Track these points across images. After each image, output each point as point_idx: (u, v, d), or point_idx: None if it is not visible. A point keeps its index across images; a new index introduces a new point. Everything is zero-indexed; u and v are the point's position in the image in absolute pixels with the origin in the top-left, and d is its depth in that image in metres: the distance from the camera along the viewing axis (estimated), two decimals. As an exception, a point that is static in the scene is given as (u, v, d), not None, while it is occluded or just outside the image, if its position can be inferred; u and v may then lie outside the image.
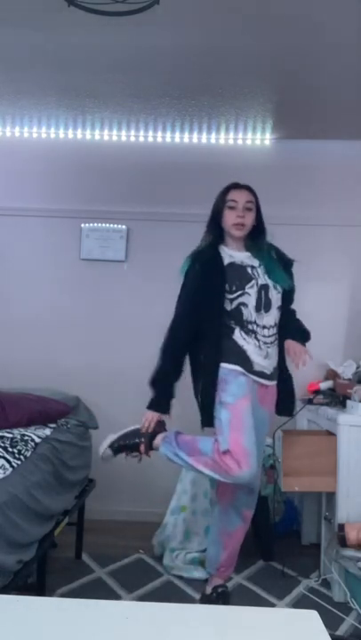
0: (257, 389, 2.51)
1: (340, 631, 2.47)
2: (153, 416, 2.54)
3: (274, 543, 3.21)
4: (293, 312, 2.71)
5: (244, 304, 2.50)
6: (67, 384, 3.33)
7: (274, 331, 2.55)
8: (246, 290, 2.51)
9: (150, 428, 2.53)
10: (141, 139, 3.88)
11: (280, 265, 2.62)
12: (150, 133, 3.82)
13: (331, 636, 1.02)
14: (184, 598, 2.67)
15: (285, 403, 2.63)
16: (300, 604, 2.69)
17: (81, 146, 3.88)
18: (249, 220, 2.58)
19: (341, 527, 2.68)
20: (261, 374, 2.51)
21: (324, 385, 3.44)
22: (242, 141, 3.85)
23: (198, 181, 3.66)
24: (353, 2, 2.30)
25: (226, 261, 2.55)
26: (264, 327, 2.51)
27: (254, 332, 2.51)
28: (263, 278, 2.55)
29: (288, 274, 2.64)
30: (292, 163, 3.84)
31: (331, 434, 2.91)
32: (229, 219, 2.56)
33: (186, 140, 3.85)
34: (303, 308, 3.82)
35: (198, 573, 2.88)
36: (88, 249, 3.86)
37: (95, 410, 3.29)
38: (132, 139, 3.88)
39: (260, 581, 2.91)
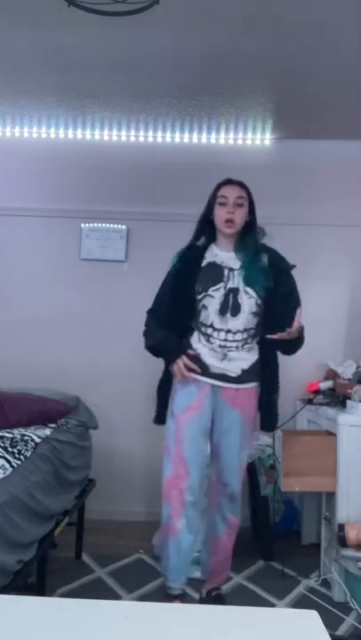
0: (222, 392, 2.46)
1: (341, 631, 2.47)
2: (178, 362, 2.43)
3: (274, 543, 3.21)
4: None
5: (205, 306, 2.46)
6: (67, 384, 3.33)
7: (243, 335, 2.45)
8: (210, 292, 2.46)
9: (186, 372, 2.42)
10: (141, 139, 3.88)
11: (263, 268, 2.49)
12: (150, 133, 3.82)
13: (331, 636, 1.02)
14: (184, 598, 2.66)
15: (265, 418, 2.55)
16: (300, 604, 2.69)
17: (81, 146, 3.88)
18: (239, 216, 2.50)
19: (341, 527, 2.68)
20: (222, 377, 2.45)
21: (324, 385, 3.44)
22: (242, 141, 3.85)
23: (198, 181, 3.64)
24: (353, 2, 2.30)
25: (206, 261, 2.51)
26: (228, 331, 2.44)
27: (208, 336, 2.46)
28: (235, 281, 2.47)
29: (280, 279, 2.49)
30: (292, 163, 3.84)
31: (331, 434, 2.91)
32: (220, 215, 2.50)
33: (186, 139, 3.85)
34: (303, 308, 3.83)
35: (198, 573, 2.88)
36: (88, 249, 3.86)
37: (95, 410, 3.29)
38: (132, 139, 3.88)
39: (260, 581, 2.91)
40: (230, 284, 2.46)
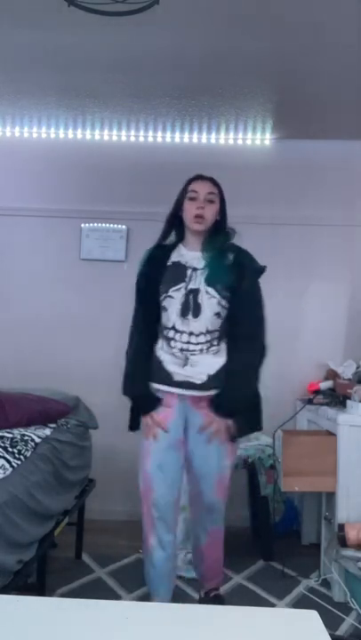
0: (190, 400, 2.35)
1: (341, 631, 2.47)
2: (147, 420, 2.37)
3: (274, 543, 3.20)
4: (246, 338, 2.35)
5: (165, 308, 2.37)
6: (67, 384, 3.32)
7: (206, 338, 2.33)
8: (170, 293, 2.36)
9: (154, 430, 2.35)
10: (141, 139, 3.88)
11: (227, 267, 2.36)
12: (150, 133, 3.82)
13: (331, 636, 1.02)
14: (184, 598, 2.66)
15: (242, 420, 2.38)
16: (300, 604, 2.69)
17: (81, 146, 3.88)
18: (209, 212, 2.38)
19: (341, 527, 2.68)
20: (187, 385, 2.33)
21: (324, 385, 3.44)
22: (242, 141, 3.85)
23: (198, 181, 3.66)
24: (353, 2, 2.30)
25: (171, 261, 2.42)
26: (191, 334, 2.33)
27: (170, 339, 2.35)
28: (197, 282, 2.35)
29: (243, 278, 2.35)
30: (292, 163, 3.84)
31: (331, 434, 2.91)
32: (189, 210, 2.38)
33: (186, 139, 3.85)
34: (304, 308, 3.84)
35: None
36: (88, 249, 3.86)
37: (95, 410, 3.29)
38: (132, 139, 3.88)
39: (260, 581, 2.91)
40: (191, 285, 2.35)
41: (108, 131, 3.82)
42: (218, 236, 2.43)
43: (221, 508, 2.43)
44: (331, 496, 2.89)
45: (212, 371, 2.33)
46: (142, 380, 2.40)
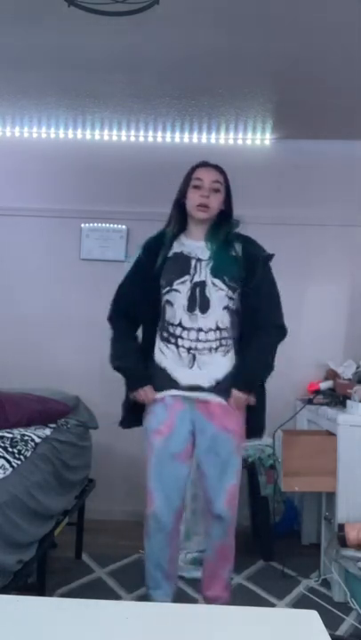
0: (199, 406, 2.24)
1: (341, 631, 2.46)
2: (140, 393, 2.28)
3: (274, 543, 3.21)
4: (265, 331, 2.27)
5: (170, 302, 2.23)
6: (67, 384, 3.32)
7: (216, 335, 2.21)
8: (175, 286, 2.22)
9: (149, 398, 2.27)
10: (141, 139, 3.88)
11: (234, 257, 2.26)
12: (150, 133, 3.82)
13: (331, 636, 1.02)
14: (184, 598, 2.66)
15: (250, 426, 2.32)
16: (300, 604, 2.69)
17: (81, 146, 3.88)
18: (215, 201, 2.27)
19: (341, 527, 2.68)
20: (195, 388, 2.22)
21: (324, 385, 3.44)
22: (242, 141, 3.85)
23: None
24: (353, 2, 2.30)
25: (173, 252, 2.28)
26: (200, 330, 2.20)
27: (176, 337, 2.22)
28: (202, 274, 2.22)
29: (250, 268, 2.25)
30: (292, 163, 3.84)
31: (331, 434, 2.91)
32: (193, 199, 2.27)
33: (186, 139, 3.85)
34: (304, 308, 3.84)
35: (198, 573, 2.87)
36: (88, 249, 3.86)
37: (95, 410, 3.29)
38: (132, 139, 3.88)
39: (260, 581, 2.91)
40: (197, 277, 2.22)
41: (108, 131, 3.82)
42: (222, 225, 2.31)
43: (230, 520, 2.31)
44: (331, 496, 2.89)
45: (221, 375, 2.23)
46: (132, 354, 2.32)
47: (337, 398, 3.20)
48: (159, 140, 3.87)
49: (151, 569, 2.35)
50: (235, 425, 2.27)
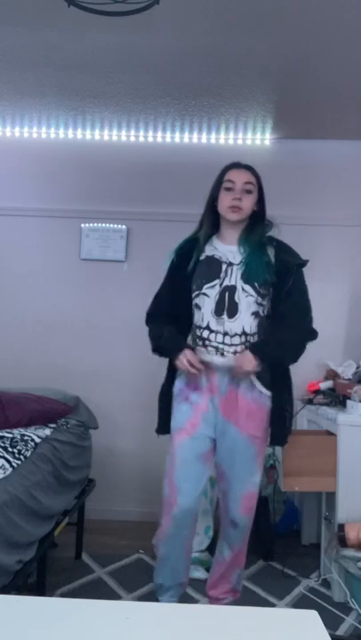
0: (222, 406, 2.21)
1: (341, 631, 2.47)
2: (181, 358, 2.20)
3: (274, 543, 3.20)
4: (295, 322, 2.26)
5: (198, 306, 2.24)
6: (67, 384, 3.33)
7: (242, 339, 2.20)
8: (204, 290, 2.22)
9: (191, 366, 2.18)
10: (141, 139, 3.88)
11: (266, 263, 2.22)
12: (150, 133, 3.82)
13: (331, 636, 1.02)
14: (184, 598, 2.66)
15: (274, 432, 2.27)
16: (300, 604, 2.69)
17: (81, 146, 3.88)
18: (247, 203, 2.24)
19: (341, 527, 2.68)
20: (226, 370, 2.20)
21: (324, 385, 3.44)
22: (242, 141, 3.85)
23: (198, 181, 3.64)
24: (353, 2, 2.30)
25: (205, 255, 2.27)
26: (226, 334, 2.19)
27: (204, 339, 2.22)
28: (232, 278, 2.21)
29: (283, 274, 2.23)
30: (292, 163, 3.84)
31: (331, 434, 2.91)
32: (225, 201, 2.24)
33: (186, 139, 3.85)
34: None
35: (198, 573, 2.88)
36: (88, 249, 3.86)
37: (95, 410, 3.29)
38: (132, 139, 3.88)
39: (260, 581, 2.91)
40: (227, 282, 2.20)
41: (108, 131, 3.82)
42: (256, 228, 2.27)
43: (247, 525, 2.31)
44: (331, 496, 2.89)
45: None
46: (168, 330, 2.27)
47: (337, 398, 3.21)
48: (159, 139, 3.87)
49: (167, 574, 2.30)
50: (258, 430, 2.22)
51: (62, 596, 2.64)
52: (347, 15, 2.39)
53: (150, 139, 3.87)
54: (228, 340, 2.20)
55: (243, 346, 2.20)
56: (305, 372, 3.69)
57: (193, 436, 2.23)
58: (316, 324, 3.94)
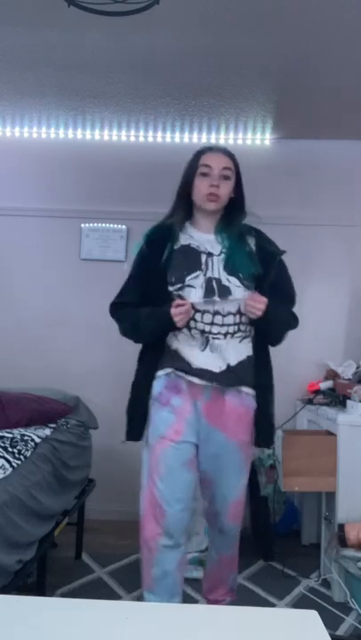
0: (205, 410, 2.02)
1: (341, 631, 2.47)
2: (174, 313, 1.96)
3: (274, 543, 3.21)
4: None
5: (183, 298, 2.00)
6: (67, 384, 3.33)
7: (236, 319, 2.01)
8: (188, 282, 2.02)
9: (184, 316, 1.96)
10: (141, 139, 3.88)
11: (249, 253, 2.07)
12: (150, 133, 3.82)
13: (331, 636, 1.02)
14: (184, 598, 2.66)
15: (260, 435, 2.10)
16: (300, 604, 2.69)
17: (81, 146, 3.88)
18: (225, 190, 2.06)
19: (341, 527, 2.68)
20: (206, 375, 2.00)
21: (324, 385, 3.44)
22: (242, 141, 3.85)
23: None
24: (354, 2, 2.30)
25: (180, 244, 2.07)
26: (216, 313, 1.99)
27: (189, 320, 1.98)
28: (215, 270, 2.03)
29: (266, 265, 2.08)
30: (292, 163, 3.84)
31: (331, 434, 2.91)
32: (201, 188, 2.05)
33: (186, 139, 3.85)
34: (304, 308, 3.82)
35: (198, 573, 2.88)
36: (88, 249, 3.87)
37: (95, 410, 3.29)
38: (132, 139, 3.88)
39: (260, 581, 2.91)
40: (210, 274, 2.02)
41: (108, 131, 3.82)
42: (234, 217, 2.11)
43: (235, 534, 2.20)
44: (331, 496, 2.89)
45: (234, 361, 2.02)
46: (142, 310, 2.07)
47: (337, 398, 3.21)
48: (159, 139, 3.87)
49: (164, 594, 2.03)
50: (246, 434, 2.09)
51: (62, 595, 2.64)
52: (347, 15, 2.39)
53: (150, 139, 3.87)
54: (218, 319, 1.99)
55: (236, 326, 2.01)
56: (305, 372, 3.70)
57: (177, 442, 2.03)
58: (316, 324, 3.95)
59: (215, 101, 3.29)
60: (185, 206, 2.14)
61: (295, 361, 3.72)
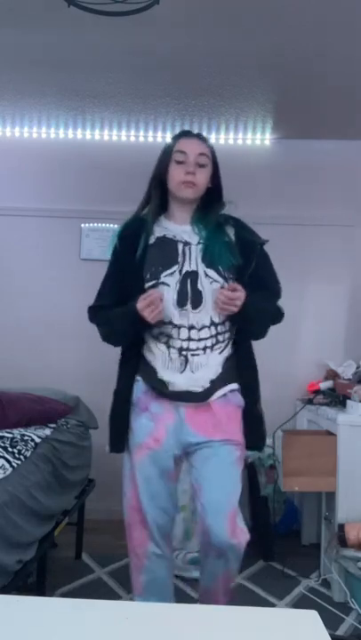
0: (189, 417, 1.90)
1: (341, 631, 2.46)
2: (141, 308, 1.84)
3: (274, 543, 3.21)
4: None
5: None
6: (67, 384, 3.32)
7: (211, 332, 1.90)
8: (162, 279, 1.89)
9: (153, 308, 1.83)
10: (141, 139, 3.87)
11: (227, 243, 1.94)
12: (150, 133, 3.82)
13: (331, 636, 1.02)
14: (184, 598, 2.66)
15: (251, 436, 1.96)
16: (300, 603, 2.69)
17: (81, 146, 3.88)
18: (202, 178, 1.95)
19: (341, 527, 2.68)
20: (185, 396, 1.88)
21: (324, 385, 3.44)
22: (242, 141, 3.85)
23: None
24: (353, 2, 2.30)
25: (155, 237, 1.96)
26: (192, 328, 1.88)
27: (168, 337, 1.89)
28: (192, 262, 1.90)
29: (246, 255, 1.94)
30: (292, 163, 3.84)
31: (331, 434, 2.91)
32: (176, 176, 1.95)
33: (186, 139, 3.85)
34: (304, 309, 3.84)
35: (198, 573, 2.88)
36: (88, 249, 3.86)
37: (95, 410, 3.29)
38: (132, 139, 3.88)
39: (260, 581, 2.91)
40: (187, 267, 1.90)
41: (108, 131, 3.82)
42: (211, 206, 1.99)
43: (237, 554, 1.89)
44: (331, 496, 2.89)
45: (214, 374, 1.91)
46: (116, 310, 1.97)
47: (337, 398, 3.21)
48: (159, 140, 3.86)
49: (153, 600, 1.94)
50: (236, 433, 1.94)
51: (62, 595, 2.64)
52: (347, 15, 2.39)
53: (150, 139, 3.86)
54: (194, 334, 1.88)
55: (214, 339, 1.90)
56: (305, 372, 3.70)
57: (156, 451, 1.91)
58: (316, 324, 3.94)
59: (215, 101, 3.29)
60: (159, 195, 2.04)
61: (295, 361, 3.72)
